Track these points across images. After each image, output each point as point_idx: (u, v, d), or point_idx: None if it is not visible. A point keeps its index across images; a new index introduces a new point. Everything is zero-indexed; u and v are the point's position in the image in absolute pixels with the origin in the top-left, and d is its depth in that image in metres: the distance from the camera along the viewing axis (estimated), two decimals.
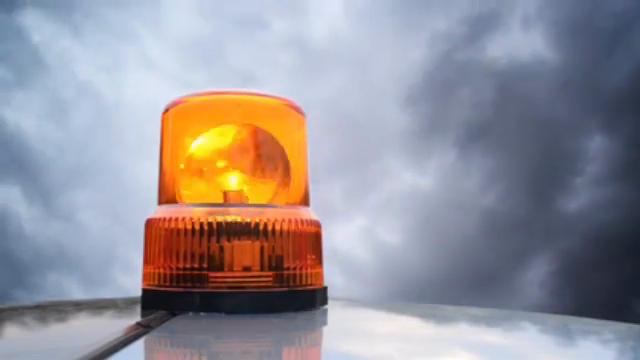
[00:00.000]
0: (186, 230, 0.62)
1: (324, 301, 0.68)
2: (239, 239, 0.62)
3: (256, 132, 0.70)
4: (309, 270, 0.66)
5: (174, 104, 0.70)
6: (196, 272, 0.62)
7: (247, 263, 0.63)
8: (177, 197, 0.68)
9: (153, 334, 0.51)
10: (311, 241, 0.67)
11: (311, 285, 0.66)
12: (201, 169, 0.70)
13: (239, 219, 0.63)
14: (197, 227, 0.62)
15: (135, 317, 0.61)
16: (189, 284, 0.62)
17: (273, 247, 0.63)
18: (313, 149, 0.72)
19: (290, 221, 0.64)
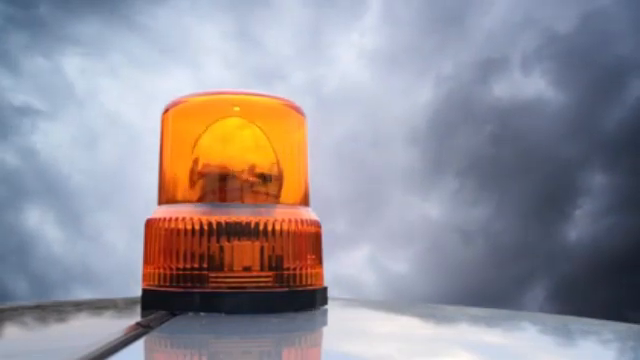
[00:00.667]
0: (186, 230, 0.62)
1: (324, 301, 0.68)
2: (239, 239, 0.62)
3: (256, 132, 0.70)
4: (309, 270, 0.66)
5: (174, 104, 0.70)
6: (196, 272, 0.62)
7: (247, 263, 0.63)
8: (177, 197, 0.68)
9: (153, 334, 0.51)
10: (311, 241, 0.67)
11: (311, 285, 0.66)
12: (201, 169, 0.70)
13: (239, 219, 0.63)
14: (197, 227, 0.62)
15: (135, 317, 0.61)
16: (189, 284, 0.62)
17: (273, 247, 0.63)
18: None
19: (290, 221, 0.64)
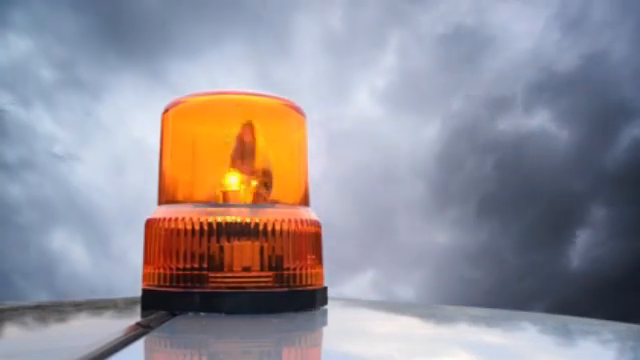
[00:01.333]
0: (186, 230, 0.62)
1: (324, 301, 0.68)
2: (239, 239, 0.62)
3: (256, 132, 0.70)
4: (309, 270, 0.66)
5: (174, 104, 0.70)
6: (196, 272, 0.62)
7: (247, 263, 0.63)
8: (177, 197, 0.68)
9: (153, 334, 0.51)
10: (311, 241, 0.67)
11: (311, 285, 0.66)
12: (201, 169, 0.70)
13: (239, 219, 0.63)
14: (197, 227, 0.62)
15: (135, 317, 0.61)
16: (189, 284, 0.62)
17: (273, 247, 0.63)
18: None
19: (290, 221, 0.64)
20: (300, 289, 0.65)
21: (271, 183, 0.68)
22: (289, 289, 0.64)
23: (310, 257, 0.66)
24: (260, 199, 0.67)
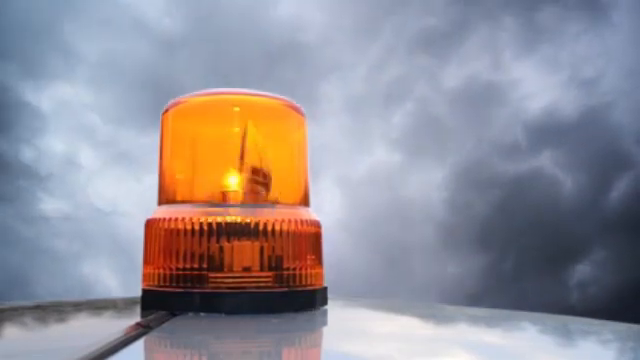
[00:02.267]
0: (186, 230, 0.62)
1: (324, 301, 0.68)
2: (239, 239, 0.62)
3: (256, 132, 0.70)
4: (309, 270, 0.66)
5: (174, 104, 0.70)
6: (196, 272, 0.62)
7: (247, 263, 0.63)
8: (177, 197, 0.68)
9: (153, 334, 0.51)
10: (311, 241, 0.67)
11: (311, 285, 0.66)
12: (201, 169, 0.70)
13: (239, 219, 0.63)
14: (197, 227, 0.62)
15: (135, 317, 0.61)
16: (189, 284, 0.62)
17: (273, 247, 0.63)
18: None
19: (290, 221, 0.64)
20: (300, 289, 0.65)
21: (269, 185, 0.68)
22: (289, 289, 0.64)
23: (310, 257, 0.66)
24: (259, 199, 0.67)
